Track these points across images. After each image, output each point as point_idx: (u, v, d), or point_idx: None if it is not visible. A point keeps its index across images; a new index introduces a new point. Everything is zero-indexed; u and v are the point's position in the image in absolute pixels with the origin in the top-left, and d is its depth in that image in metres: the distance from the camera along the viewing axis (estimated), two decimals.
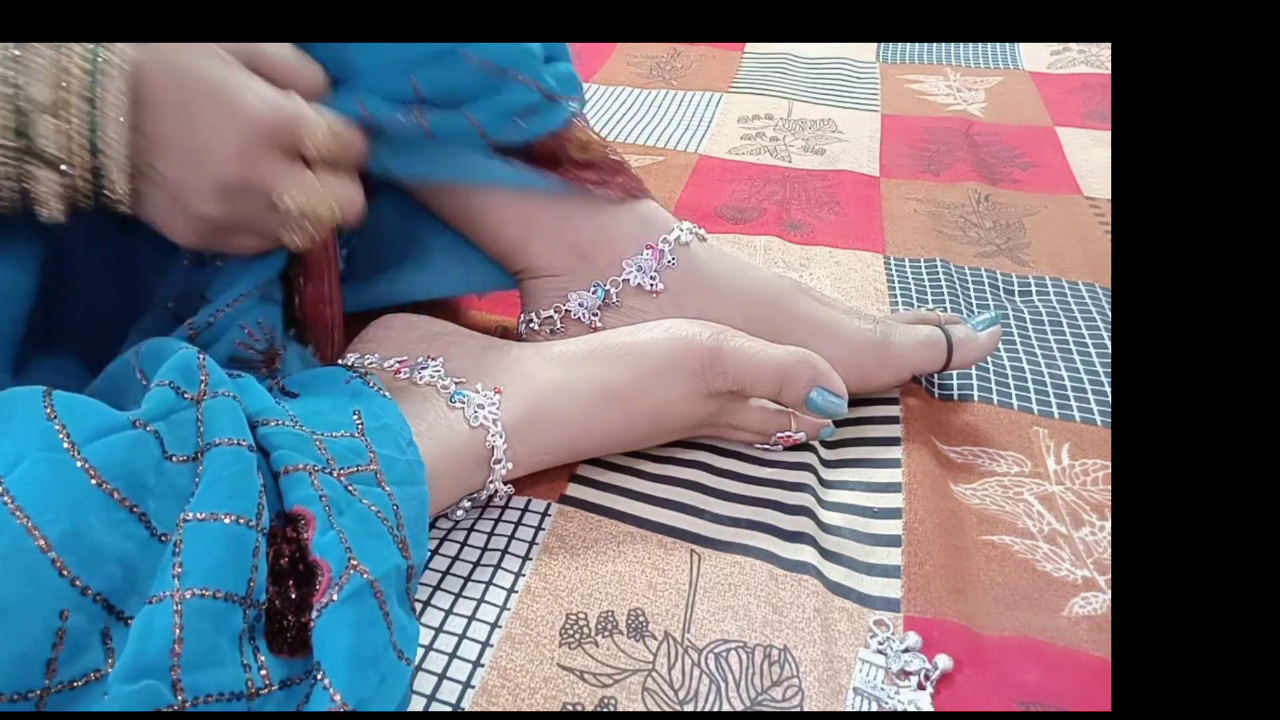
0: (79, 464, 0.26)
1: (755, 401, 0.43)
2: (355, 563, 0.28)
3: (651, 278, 0.44)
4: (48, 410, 0.27)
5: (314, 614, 0.27)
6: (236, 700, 0.25)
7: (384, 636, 0.28)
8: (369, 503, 0.31)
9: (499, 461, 0.38)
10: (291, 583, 0.28)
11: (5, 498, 0.24)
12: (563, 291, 0.46)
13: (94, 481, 0.26)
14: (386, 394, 0.38)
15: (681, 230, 0.45)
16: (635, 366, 0.40)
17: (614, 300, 0.45)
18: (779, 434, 0.43)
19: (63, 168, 0.31)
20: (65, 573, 0.24)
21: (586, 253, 0.45)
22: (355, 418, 0.35)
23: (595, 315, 0.45)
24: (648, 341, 0.41)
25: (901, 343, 0.45)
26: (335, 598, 0.27)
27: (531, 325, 0.46)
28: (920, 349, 0.45)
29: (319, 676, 0.26)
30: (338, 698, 0.26)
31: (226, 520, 0.27)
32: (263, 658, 0.26)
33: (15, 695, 0.22)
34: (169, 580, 0.25)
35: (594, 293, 0.45)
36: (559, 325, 0.46)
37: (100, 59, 0.31)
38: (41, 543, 0.24)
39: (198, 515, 0.26)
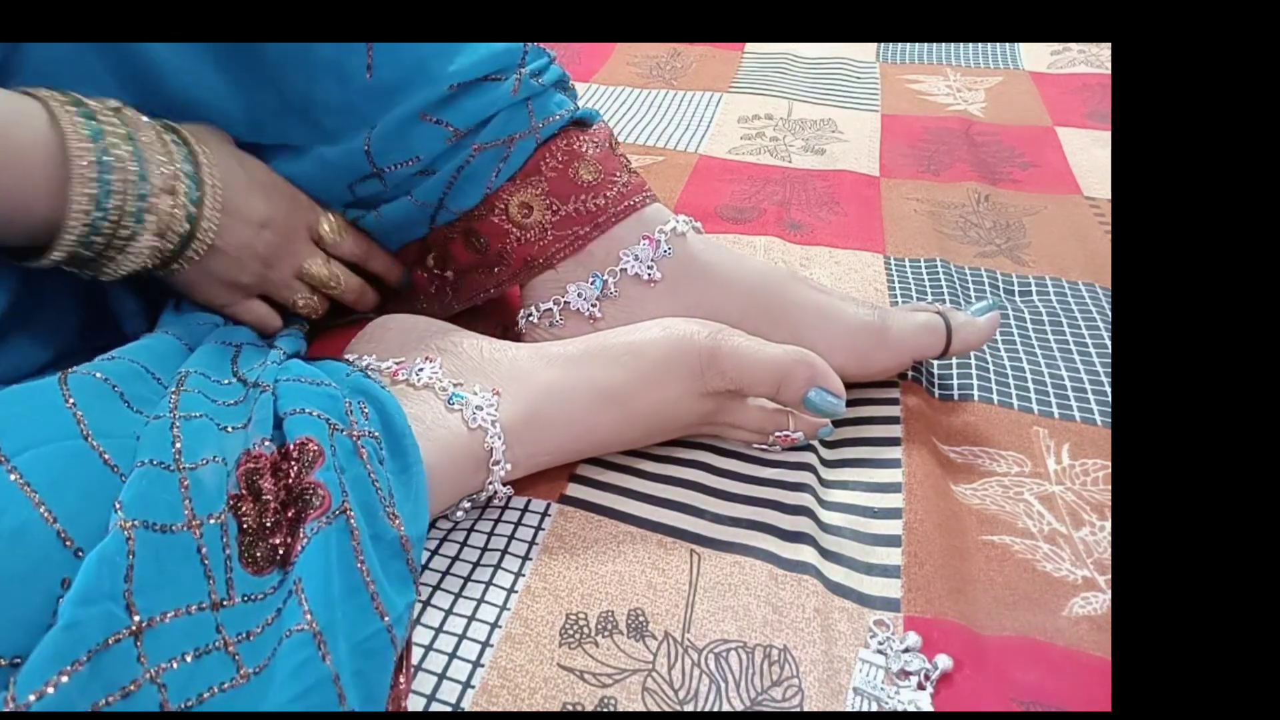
0: (92, 446, 0.27)
1: (753, 401, 0.43)
2: (349, 505, 0.30)
3: (649, 267, 0.45)
4: (66, 399, 0.29)
5: (311, 529, 0.29)
6: (200, 612, 0.26)
7: (358, 578, 0.29)
8: (370, 469, 0.33)
9: (497, 463, 0.38)
10: (273, 506, 0.30)
11: (14, 475, 0.25)
12: (561, 284, 0.46)
13: (108, 465, 0.27)
14: (387, 387, 0.38)
15: (677, 221, 0.46)
16: (633, 366, 0.40)
17: (612, 290, 0.45)
18: (777, 433, 0.43)
19: (165, 235, 0.36)
20: (69, 544, 0.25)
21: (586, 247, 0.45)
22: (361, 406, 0.36)
23: (594, 305, 0.45)
24: (645, 341, 0.41)
25: (900, 327, 0.45)
26: (327, 524, 0.29)
27: (531, 319, 0.46)
28: (919, 333, 0.45)
29: (299, 591, 0.28)
30: (309, 616, 0.27)
31: (150, 465, 0.28)
32: (232, 573, 0.28)
33: (17, 659, 0.23)
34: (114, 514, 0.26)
35: (592, 284, 0.45)
36: (559, 318, 0.46)
37: (192, 146, 0.38)
38: (48, 517, 0.25)
39: (136, 464, 0.28)
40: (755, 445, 0.44)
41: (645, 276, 0.45)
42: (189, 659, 0.25)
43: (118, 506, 0.26)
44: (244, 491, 0.30)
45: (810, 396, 0.41)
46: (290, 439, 0.32)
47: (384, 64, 0.41)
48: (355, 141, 0.42)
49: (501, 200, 0.44)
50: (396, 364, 0.41)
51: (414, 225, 0.45)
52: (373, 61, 0.40)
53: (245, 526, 0.29)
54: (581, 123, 0.48)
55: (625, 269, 0.45)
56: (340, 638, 0.27)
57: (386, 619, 0.29)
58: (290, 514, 0.30)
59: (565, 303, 0.46)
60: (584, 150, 0.46)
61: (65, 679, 0.22)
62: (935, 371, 0.50)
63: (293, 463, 0.31)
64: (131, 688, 0.24)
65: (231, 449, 0.31)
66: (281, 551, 0.29)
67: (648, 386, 0.40)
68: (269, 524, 0.29)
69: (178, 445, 0.29)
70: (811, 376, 0.41)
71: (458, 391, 0.39)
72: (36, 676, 0.22)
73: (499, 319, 0.51)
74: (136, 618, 0.25)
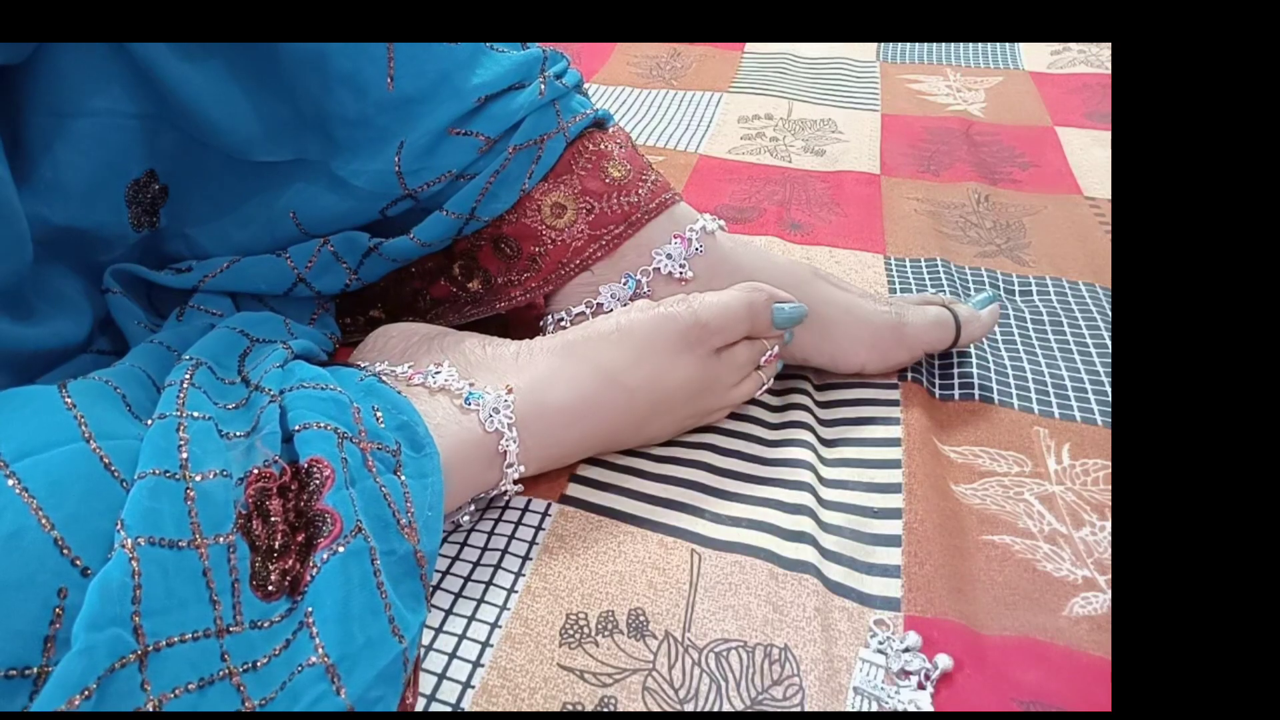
0: (94, 449, 0.27)
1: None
2: (362, 525, 0.29)
3: (681, 265, 0.45)
4: (66, 400, 0.28)
5: (320, 558, 0.28)
6: (205, 638, 0.26)
7: (378, 602, 0.28)
8: (382, 483, 0.32)
9: (510, 465, 0.38)
10: (282, 528, 0.29)
11: (12, 480, 0.25)
12: (593, 286, 0.46)
13: (109, 469, 0.27)
14: (399, 392, 0.38)
15: (706, 220, 0.46)
16: (626, 343, 0.40)
17: (645, 291, 0.45)
18: (765, 358, 0.44)
19: None
20: (66, 552, 0.24)
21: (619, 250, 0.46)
22: (375, 412, 0.35)
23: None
24: (631, 319, 0.41)
25: (915, 323, 0.47)
26: (341, 550, 0.28)
27: (563, 324, 0.46)
28: (932, 328, 0.47)
29: (309, 624, 0.27)
30: (321, 649, 0.27)
31: (154, 474, 0.27)
32: (239, 597, 0.27)
33: (12, 671, 0.23)
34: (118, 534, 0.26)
35: (625, 284, 0.45)
36: (590, 320, 0.46)
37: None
38: (45, 523, 0.24)
39: (136, 476, 0.27)
40: (760, 393, 0.45)
41: (678, 275, 0.45)
42: (192, 688, 0.25)
43: (120, 526, 0.25)
44: (253, 511, 0.29)
45: (776, 314, 0.42)
46: (300, 457, 0.31)
47: (404, 76, 0.41)
48: (376, 162, 0.42)
49: (534, 202, 0.45)
50: (410, 368, 0.41)
51: (445, 239, 0.45)
52: (394, 73, 0.40)
53: (255, 547, 0.28)
54: (600, 124, 0.48)
55: (659, 268, 0.45)
56: (360, 667, 0.27)
57: (404, 643, 0.28)
58: (300, 538, 0.29)
59: (598, 304, 0.46)
60: (610, 150, 0.46)
61: (74, 707, 0.22)
62: (936, 371, 0.50)
63: (303, 486, 0.30)
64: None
65: (236, 461, 0.31)
66: (290, 579, 0.29)
67: (641, 358, 0.40)
68: (277, 547, 0.29)
69: (184, 454, 0.29)
70: (769, 297, 0.42)
71: (473, 391, 0.38)
72: (47, 703, 0.22)
73: (499, 323, 0.50)
74: (143, 641, 0.24)
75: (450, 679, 0.33)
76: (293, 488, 0.30)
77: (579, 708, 0.32)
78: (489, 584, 0.37)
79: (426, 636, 0.35)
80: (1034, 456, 0.44)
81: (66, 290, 0.39)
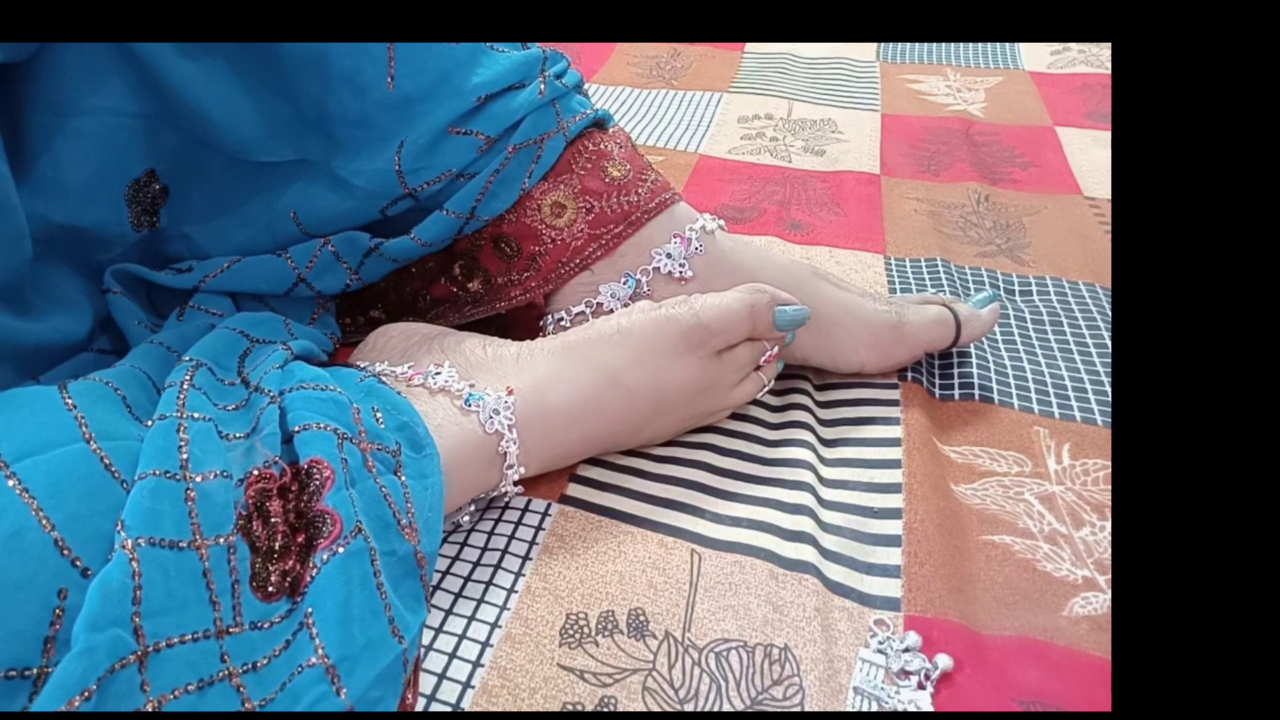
0: (94, 450, 0.27)
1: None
2: (362, 526, 0.29)
3: (681, 265, 0.45)
4: (66, 401, 0.28)
5: (320, 559, 0.28)
6: (205, 639, 0.26)
7: (378, 603, 0.28)
8: (382, 483, 0.32)
9: (511, 466, 0.38)
10: (282, 529, 0.29)
11: (12, 480, 0.25)
12: (593, 285, 0.46)
13: (109, 470, 0.27)
14: (399, 392, 0.38)
15: (705, 219, 0.46)
16: (626, 344, 0.40)
17: (645, 290, 0.45)
18: (764, 358, 0.44)
19: None
20: (67, 552, 0.24)
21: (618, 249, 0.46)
22: (375, 412, 0.35)
23: (626, 306, 0.45)
24: (632, 321, 0.41)
25: (915, 322, 0.47)
26: (341, 551, 0.28)
27: (563, 323, 0.46)
28: (932, 327, 0.47)
29: (309, 625, 0.27)
30: (321, 650, 0.27)
31: (154, 475, 0.27)
32: (240, 598, 0.27)
33: (12, 672, 0.23)
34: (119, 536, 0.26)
35: (625, 284, 0.45)
36: (591, 321, 0.46)
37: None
38: (46, 523, 0.24)
39: (137, 476, 0.27)
40: (762, 394, 0.45)
41: (678, 274, 0.45)
42: (192, 689, 0.25)
43: (120, 526, 0.25)
44: (253, 512, 0.29)
45: (778, 316, 0.42)
46: (300, 458, 0.31)
47: (404, 75, 0.41)
48: (376, 161, 0.42)
49: (534, 201, 0.45)
50: (410, 369, 0.41)
51: (446, 239, 0.45)
52: (395, 72, 0.40)
53: (255, 548, 0.28)
54: (600, 124, 0.48)
55: (658, 267, 0.45)
56: (360, 668, 0.27)
57: (404, 643, 0.28)
58: (300, 539, 0.29)
59: (598, 304, 0.46)
60: (609, 149, 0.46)
61: (74, 708, 0.22)
62: (936, 371, 0.50)
63: (303, 487, 0.30)
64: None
65: (236, 462, 0.30)
66: (290, 579, 0.28)
67: (642, 359, 0.40)
68: (278, 548, 0.29)
69: (184, 454, 0.29)
70: (771, 299, 0.42)
71: (474, 392, 0.38)
72: (47, 703, 0.22)
73: (499, 323, 0.51)
74: (143, 642, 0.24)
75: (450, 679, 0.33)
76: (293, 489, 0.30)
77: (579, 708, 0.32)
78: (489, 584, 0.37)
79: (426, 636, 0.35)
80: (1034, 456, 0.44)
81: (67, 289, 0.39)
